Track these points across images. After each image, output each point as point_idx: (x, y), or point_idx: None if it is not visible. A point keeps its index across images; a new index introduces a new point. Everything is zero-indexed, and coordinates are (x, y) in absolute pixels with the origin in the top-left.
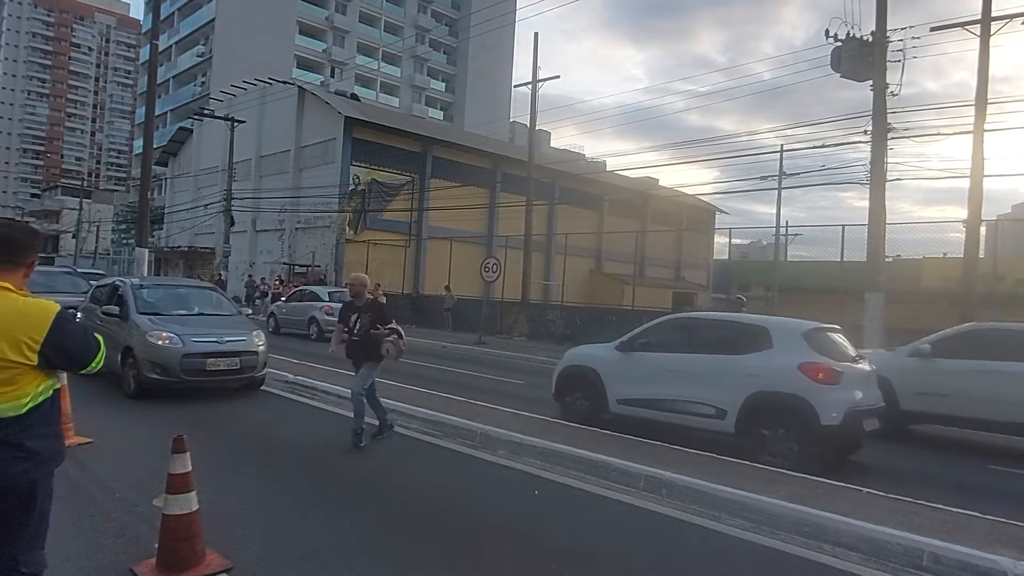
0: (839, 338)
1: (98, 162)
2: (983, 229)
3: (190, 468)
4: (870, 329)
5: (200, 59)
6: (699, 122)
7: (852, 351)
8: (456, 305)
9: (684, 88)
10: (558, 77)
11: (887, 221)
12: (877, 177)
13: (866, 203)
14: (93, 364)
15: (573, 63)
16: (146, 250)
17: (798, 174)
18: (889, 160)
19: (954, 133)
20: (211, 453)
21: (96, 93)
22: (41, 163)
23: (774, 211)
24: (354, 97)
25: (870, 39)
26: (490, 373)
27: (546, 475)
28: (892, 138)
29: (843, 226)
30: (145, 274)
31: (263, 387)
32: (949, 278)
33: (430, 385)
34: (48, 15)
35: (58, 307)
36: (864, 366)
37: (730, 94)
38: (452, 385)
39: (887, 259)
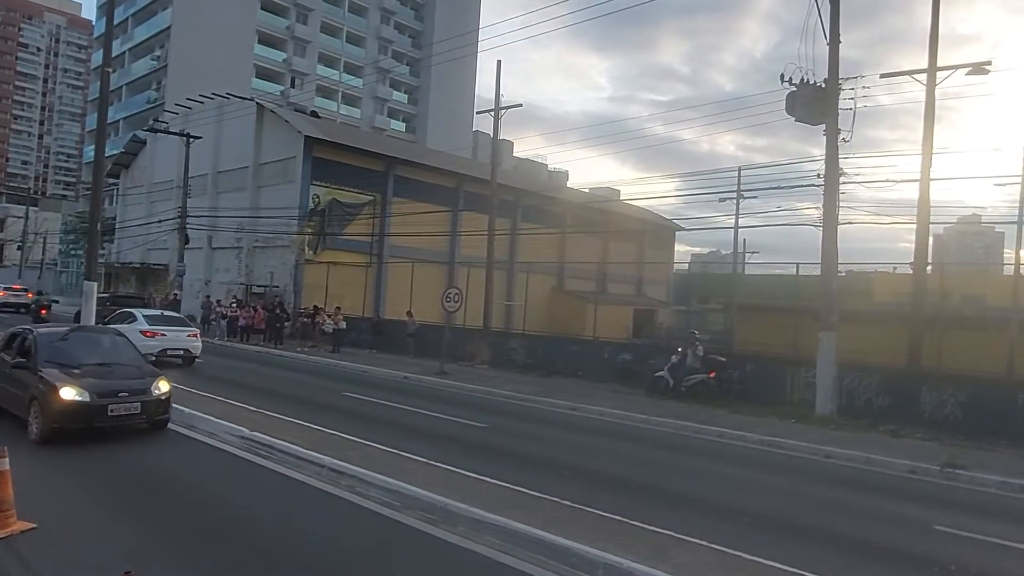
0: None
1: (46, 166)
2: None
3: None
4: (823, 368)
5: (156, 64)
6: (662, 132)
7: None
8: (419, 331)
9: (648, 98)
10: (520, 106)
11: (839, 261)
12: (829, 219)
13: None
14: None
15: (537, 70)
16: (95, 284)
17: (757, 188)
18: (841, 205)
19: (903, 181)
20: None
21: (44, 95)
22: None
23: (733, 220)
24: (314, 114)
25: (823, 85)
26: (451, 413)
27: (506, 559)
28: (844, 183)
29: (797, 264)
30: (93, 308)
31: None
32: (899, 292)
33: (389, 432)
34: None
35: None
36: None
37: (692, 103)
38: (410, 432)
39: (840, 274)
